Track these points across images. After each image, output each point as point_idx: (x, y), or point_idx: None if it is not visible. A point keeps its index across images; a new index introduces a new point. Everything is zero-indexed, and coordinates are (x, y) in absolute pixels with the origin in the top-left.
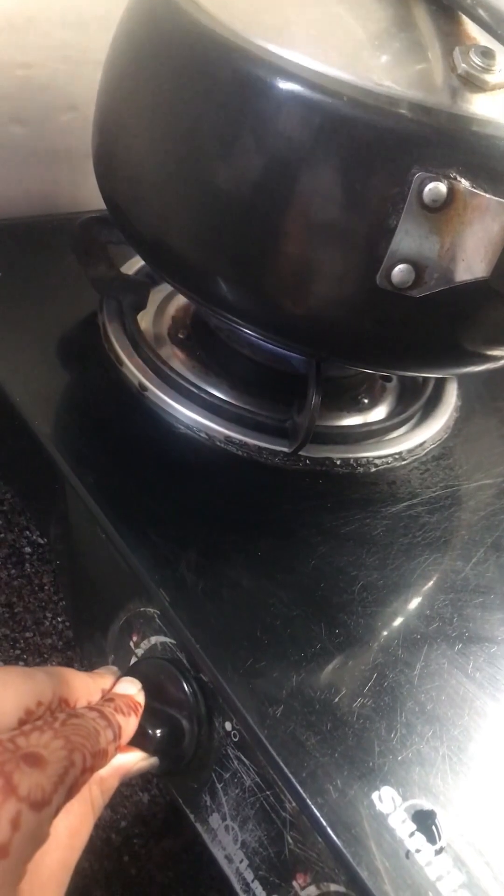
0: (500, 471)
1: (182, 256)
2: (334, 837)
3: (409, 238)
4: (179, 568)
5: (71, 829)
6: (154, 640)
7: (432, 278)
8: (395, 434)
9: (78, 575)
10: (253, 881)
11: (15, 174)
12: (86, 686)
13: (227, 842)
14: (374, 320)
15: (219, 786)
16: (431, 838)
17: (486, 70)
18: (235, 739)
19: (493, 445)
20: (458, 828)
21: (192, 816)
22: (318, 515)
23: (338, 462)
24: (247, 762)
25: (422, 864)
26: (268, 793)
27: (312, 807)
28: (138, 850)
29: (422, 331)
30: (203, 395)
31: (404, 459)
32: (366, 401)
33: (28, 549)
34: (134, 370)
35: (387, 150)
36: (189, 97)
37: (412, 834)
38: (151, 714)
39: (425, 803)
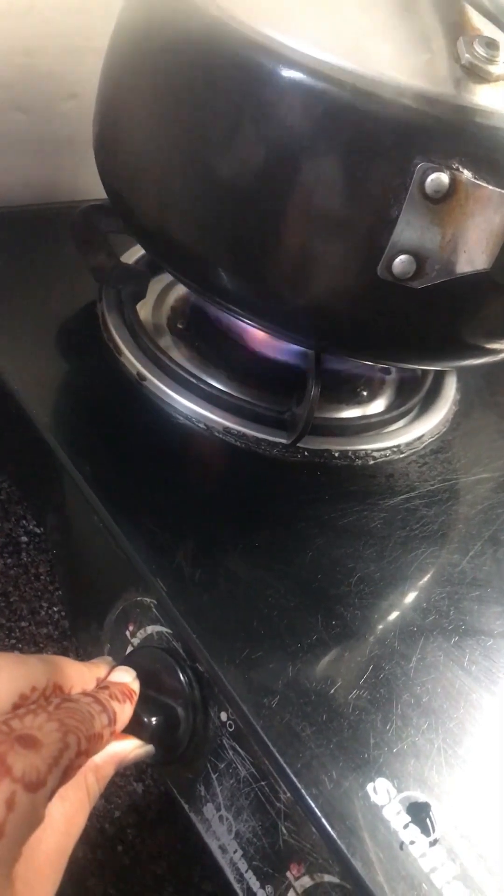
0: (499, 465)
1: (183, 245)
2: (329, 828)
3: (410, 229)
4: (176, 558)
5: (67, 816)
6: (150, 629)
7: (433, 269)
8: (393, 427)
9: (74, 564)
10: (247, 871)
11: (15, 162)
12: (80, 674)
13: (222, 832)
14: (375, 311)
15: (213, 776)
16: (425, 830)
17: (490, 61)
18: (231, 730)
19: (492, 440)
20: (453, 820)
21: (186, 807)
22: (316, 507)
23: (336, 454)
24: (242, 752)
25: (416, 856)
26: (262, 783)
27: (307, 797)
28: (132, 840)
29: (422, 322)
30: (202, 385)
31: (402, 453)
32: (364, 393)
33: (24, 539)
34: (133, 360)
35: (389, 139)
36: (191, 85)
37: (406, 825)
38: (147, 703)
39: (420, 795)
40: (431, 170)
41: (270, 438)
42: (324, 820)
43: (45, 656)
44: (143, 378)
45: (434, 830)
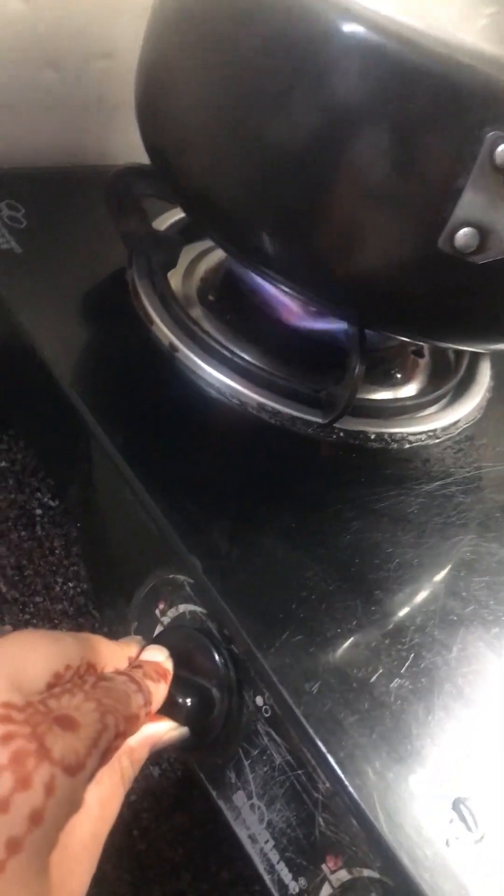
0: None
1: (228, 209)
2: (374, 822)
3: (476, 200)
4: (213, 535)
5: (102, 800)
6: (182, 608)
7: (497, 244)
8: (427, 411)
9: (100, 539)
10: (279, 862)
11: (44, 121)
12: (112, 653)
13: (252, 821)
14: (430, 285)
15: (246, 763)
16: (471, 826)
17: None
18: (267, 715)
19: None
20: (499, 816)
21: (214, 794)
22: (351, 489)
23: (372, 436)
24: (278, 739)
25: (462, 853)
26: (299, 772)
27: (351, 789)
28: (148, 825)
29: (479, 300)
30: (236, 359)
31: (438, 438)
32: (399, 376)
33: (39, 511)
34: (165, 330)
35: (459, 105)
36: (244, 42)
37: (452, 821)
38: (180, 683)
39: (465, 790)
40: (502, 139)
41: (305, 417)
42: (368, 813)
43: (77, 634)
44: (176, 349)
45: (480, 827)
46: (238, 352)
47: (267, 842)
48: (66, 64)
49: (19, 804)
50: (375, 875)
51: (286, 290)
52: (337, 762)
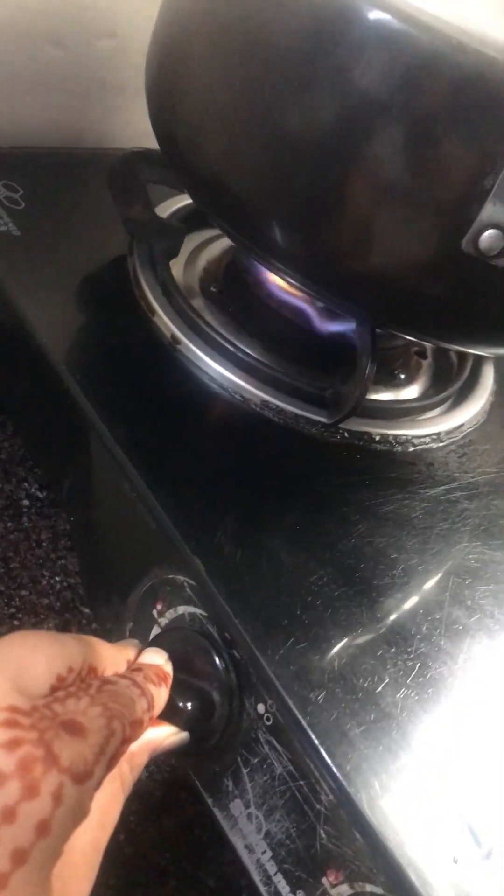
0: None
1: (240, 197)
2: (380, 837)
3: None
4: (216, 534)
5: (102, 808)
6: (182, 609)
7: None
8: (431, 414)
9: (95, 535)
10: (276, 874)
11: (45, 100)
12: (112, 656)
13: (249, 831)
14: (449, 287)
15: (244, 771)
16: (479, 843)
17: None
18: (268, 723)
19: None
20: None
21: (210, 801)
22: (356, 492)
23: (377, 438)
24: (279, 748)
25: (469, 870)
26: (301, 783)
27: (357, 803)
28: (134, 828)
29: (498, 303)
30: (240, 354)
31: (442, 441)
32: (402, 376)
33: (26, 502)
34: (167, 321)
35: (490, 102)
36: (266, 27)
37: (459, 838)
38: (179, 687)
39: (474, 806)
40: None
41: (310, 416)
42: (374, 828)
43: (78, 635)
44: (178, 341)
45: (487, 843)
46: (242, 346)
47: (264, 852)
48: (68, 42)
49: (27, 814)
50: (379, 891)
51: (295, 284)
52: (343, 775)
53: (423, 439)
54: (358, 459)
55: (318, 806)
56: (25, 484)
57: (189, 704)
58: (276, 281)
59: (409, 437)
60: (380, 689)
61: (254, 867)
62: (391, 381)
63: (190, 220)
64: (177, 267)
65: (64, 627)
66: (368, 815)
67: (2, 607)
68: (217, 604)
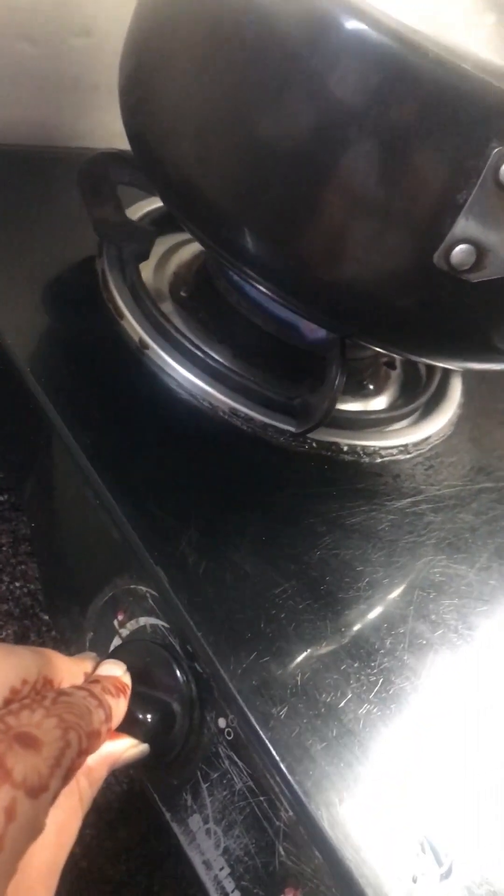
0: (502, 475)
1: (212, 202)
2: (340, 855)
3: (477, 217)
4: (180, 545)
5: (59, 825)
6: (143, 620)
7: (494, 263)
8: (398, 425)
9: (56, 541)
10: (233, 891)
11: (16, 96)
12: (69, 668)
13: (208, 847)
14: (420, 301)
15: (204, 786)
16: (438, 861)
17: None
18: (229, 738)
19: (496, 447)
20: (467, 852)
21: (168, 815)
22: (323, 503)
23: (345, 448)
24: (240, 764)
25: (429, 889)
26: (261, 798)
27: (317, 820)
28: (90, 841)
29: (469, 318)
30: (209, 360)
31: (409, 453)
32: (371, 387)
33: None
34: (135, 325)
35: (466, 117)
36: (244, 31)
37: (419, 856)
38: (139, 699)
39: (434, 824)
40: None
41: (278, 425)
42: (334, 845)
43: (34, 647)
44: (146, 346)
45: (447, 862)
46: (211, 353)
47: (222, 869)
48: (42, 38)
49: None
50: None
51: (265, 292)
52: (303, 791)
53: (390, 451)
54: (325, 470)
55: (277, 822)
56: None
57: (149, 716)
58: (247, 287)
59: (377, 449)
60: (342, 704)
61: (211, 884)
62: (360, 392)
63: (161, 223)
64: (147, 270)
65: (23, 634)
66: (328, 832)
67: None
68: (179, 616)
